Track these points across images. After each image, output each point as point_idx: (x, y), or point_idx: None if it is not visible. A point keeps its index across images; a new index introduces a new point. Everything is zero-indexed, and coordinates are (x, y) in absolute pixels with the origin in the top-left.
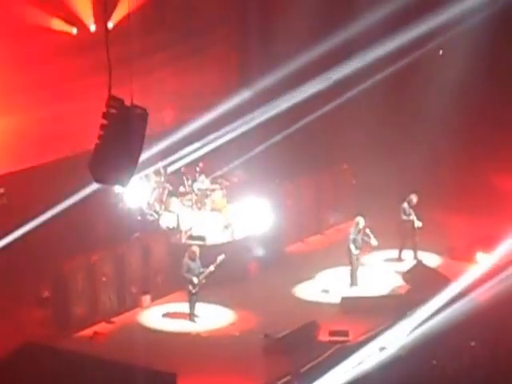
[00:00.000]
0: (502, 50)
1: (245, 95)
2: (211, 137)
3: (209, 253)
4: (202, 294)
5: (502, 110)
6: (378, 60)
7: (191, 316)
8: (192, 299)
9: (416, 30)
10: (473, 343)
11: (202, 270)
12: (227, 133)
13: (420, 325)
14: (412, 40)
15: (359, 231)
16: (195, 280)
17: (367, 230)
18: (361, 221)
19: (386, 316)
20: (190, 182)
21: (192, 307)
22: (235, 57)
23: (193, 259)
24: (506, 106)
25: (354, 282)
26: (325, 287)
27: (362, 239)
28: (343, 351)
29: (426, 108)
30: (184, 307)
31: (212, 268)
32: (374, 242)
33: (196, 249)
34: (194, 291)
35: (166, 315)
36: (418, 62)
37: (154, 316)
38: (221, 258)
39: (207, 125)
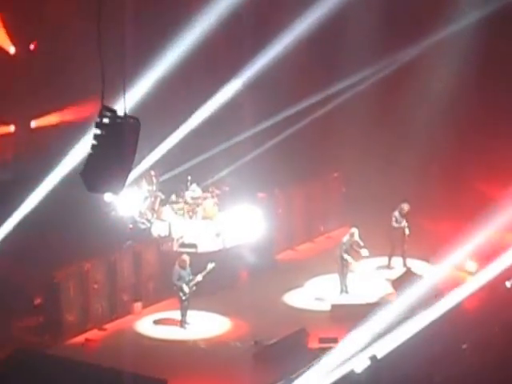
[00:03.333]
0: (490, 57)
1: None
2: (203, 146)
3: (200, 260)
4: (193, 301)
5: (490, 117)
6: (366, 71)
7: (182, 323)
8: (183, 306)
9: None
10: (464, 346)
11: (191, 277)
12: (219, 142)
13: (408, 331)
14: (399, 50)
15: (353, 242)
16: (185, 288)
17: (359, 240)
18: (356, 232)
19: (374, 323)
20: (181, 190)
21: (183, 314)
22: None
23: (183, 267)
24: (493, 113)
25: (344, 289)
26: (316, 295)
27: (353, 248)
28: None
29: (414, 117)
30: (175, 314)
31: (200, 277)
32: (364, 252)
33: (186, 257)
34: (184, 298)
35: (157, 322)
36: (405, 73)
37: (146, 323)
38: (210, 266)
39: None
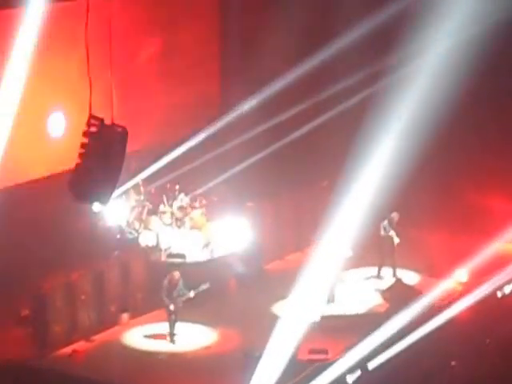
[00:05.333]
0: (481, 72)
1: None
2: (191, 155)
3: (189, 272)
4: (181, 312)
5: (480, 130)
6: (357, 79)
7: (170, 336)
8: (171, 320)
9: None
10: (453, 363)
11: (183, 292)
12: (207, 151)
13: (398, 344)
14: (390, 63)
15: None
16: (172, 306)
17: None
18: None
19: (365, 334)
20: (169, 200)
21: (171, 327)
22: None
23: (172, 284)
24: (484, 127)
25: (331, 299)
26: (306, 306)
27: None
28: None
29: (404, 126)
30: (163, 326)
31: (193, 294)
32: (348, 253)
33: (177, 274)
34: (171, 314)
35: (147, 336)
36: (396, 83)
37: (134, 334)
38: (204, 286)
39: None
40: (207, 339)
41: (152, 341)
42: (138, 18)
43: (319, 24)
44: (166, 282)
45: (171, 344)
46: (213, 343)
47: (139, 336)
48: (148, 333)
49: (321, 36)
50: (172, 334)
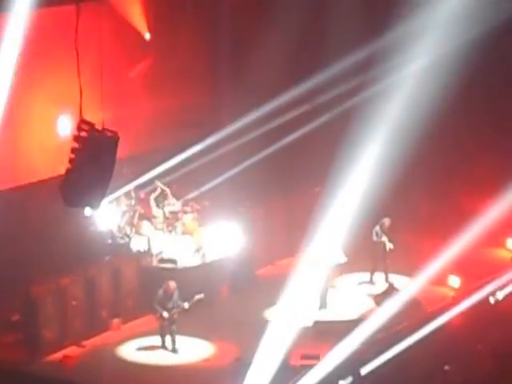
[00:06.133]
0: (474, 79)
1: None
2: (183, 160)
3: (180, 277)
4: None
5: (473, 133)
6: (349, 86)
7: (163, 345)
8: (162, 330)
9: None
10: (446, 367)
11: (178, 303)
12: (199, 156)
13: (391, 349)
14: (383, 68)
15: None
16: (165, 314)
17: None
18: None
19: (357, 340)
20: (161, 204)
21: (163, 335)
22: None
23: (167, 294)
24: (478, 131)
25: (323, 304)
26: (298, 311)
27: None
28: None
29: (397, 132)
30: (154, 332)
31: (187, 305)
32: (342, 258)
33: (173, 284)
34: (163, 324)
35: (139, 347)
36: (390, 87)
37: (126, 343)
38: (198, 297)
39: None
40: (198, 345)
41: (147, 352)
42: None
43: (308, 37)
44: (160, 291)
45: (163, 352)
46: (204, 349)
47: (133, 348)
48: (142, 346)
49: (310, 49)
50: (164, 343)
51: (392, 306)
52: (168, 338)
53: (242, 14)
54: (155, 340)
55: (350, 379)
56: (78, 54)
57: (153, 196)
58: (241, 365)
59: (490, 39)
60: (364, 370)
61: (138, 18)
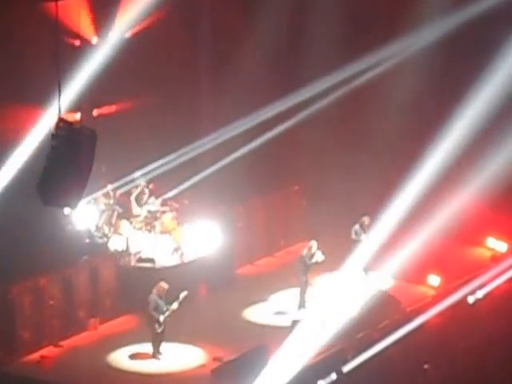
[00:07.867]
0: (455, 73)
1: None
2: (161, 159)
3: (158, 276)
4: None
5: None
6: (329, 84)
7: (155, 355)
8: (156, 337)
9: (368, 53)
10: (426, 366)
11: (168, 307)
12: (178, 155)
13: (371, 348)
14: (364, 64)
15: (312, 255)
16: (161, 318)
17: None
18: (314, 245)
19: (338, 339)
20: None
21: (155, 345)
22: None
23: (161, 296)
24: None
25: (302, 304)
26: (277, 311)
27: (312, 262)
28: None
29: (376, 130)
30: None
31: (176, 305)
32: (320, 257)
33: (165, 285)
34: (159, 330)
35: (133, 356)
36: (370, 86)
37: (103, 341)
38: (183, 294)
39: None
40: (176, 344)
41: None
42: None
43: (289, 49)
44: (153, 295)
45: (157, 361)
46: (182, 348)
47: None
48: (135, 355)
49: (290, 60)
50: (157, 352)
51: (371, 304)
52: (161, 344)
53: (222, 23)
54: (134, 340)
55: (332, 377)
56: (57, 51)
57: (133, 195)
58: (219, 363)
59: None
60: (346, 369)
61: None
